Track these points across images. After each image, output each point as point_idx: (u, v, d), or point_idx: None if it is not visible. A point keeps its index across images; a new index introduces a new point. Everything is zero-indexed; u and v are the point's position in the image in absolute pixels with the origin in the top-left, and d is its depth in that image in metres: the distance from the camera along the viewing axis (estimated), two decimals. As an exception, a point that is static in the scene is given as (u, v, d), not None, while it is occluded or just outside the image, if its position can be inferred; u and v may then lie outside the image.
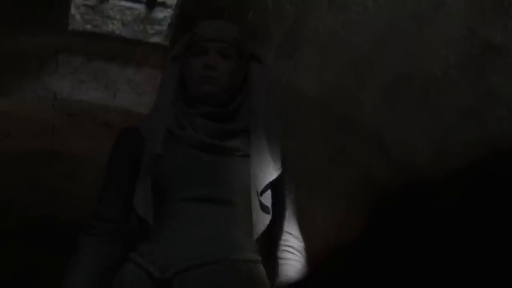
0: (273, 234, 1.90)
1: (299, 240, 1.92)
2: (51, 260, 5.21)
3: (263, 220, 1.79)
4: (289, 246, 1.90)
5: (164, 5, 3.83)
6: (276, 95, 3.56)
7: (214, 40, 1.97)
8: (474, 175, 3.31)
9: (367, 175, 3.79)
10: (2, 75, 3.65)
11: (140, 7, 3.84)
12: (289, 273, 1.85)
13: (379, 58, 3.26)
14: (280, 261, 1.88)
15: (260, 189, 1.81)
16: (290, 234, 1.91)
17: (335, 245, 4.12)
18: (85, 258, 1.84)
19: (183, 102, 1.98)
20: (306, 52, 3.38)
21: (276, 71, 3.48)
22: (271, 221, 1.85)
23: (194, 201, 1.79)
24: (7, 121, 3.89)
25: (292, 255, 1.89)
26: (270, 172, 1.84)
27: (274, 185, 1.87)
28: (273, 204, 1.86)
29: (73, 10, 3.68)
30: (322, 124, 3.70)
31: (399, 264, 3.87)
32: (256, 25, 3.31)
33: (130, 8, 3.82)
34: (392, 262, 3.91)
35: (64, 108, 3.87)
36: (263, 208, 1.80)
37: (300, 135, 3.75)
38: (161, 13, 3.81)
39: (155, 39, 3.74)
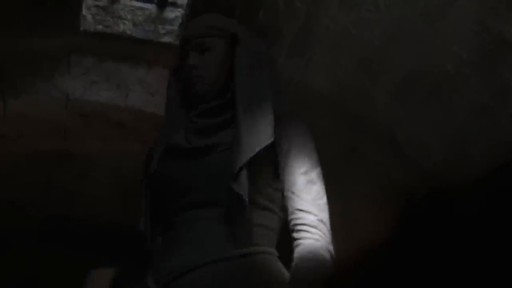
0: (287, 216, 1.81)
1: (312, 214, 1.76)
2: (63, 260, 5.24)
3: (242, 211, 1.72)
4: (301, 224, 1.76)
5: (175, 5, 3.83)
6: (288, 93, 3.55)
7: (191, 39, 1.96)
8: (486, 171, 3.30)
9: (379, 173, 3.79)
10: (15, 76, 3.67)
11: (151, 7, 3.84)
12: (301, 253, 1.70)
13: (391, 55, 3.25)
14: (295, 243, 1.75)
15: (233, 177, 1.73)
16: (301, 210, 1.77)
17: (348, 243, 4.11)
18: None
19: (188, 110, 1.96)
20: (317, 50, 3.37)
21: (288, 69, 3.47)
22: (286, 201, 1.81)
23: (182, 210, 1.80)
24: (20, 122, 3.90)
25: (305, 233, 1.74)
26: (241, 157, 1.75)
27: (276, 164, 1.83)
28: (279, 184, 1.83)
29: (84, 11, 3.68)
30: (334, 123, 3.69)
31: (414, 260, 3.86)
32: (268, 24, 3.31)
33: (141, 8, 3.82)
34: (406, 258, 3.90)
35: (76, 108, 3.88)
36: (238, 198, 1.71)
37: (312, 133, 3.75)
38: (172, 13, 3.81)
39: (166, 39, 3.74)
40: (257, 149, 1.78)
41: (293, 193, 1.81)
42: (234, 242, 1.73)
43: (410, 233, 3.85)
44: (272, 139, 1.81)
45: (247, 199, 1.71)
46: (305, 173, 1.84)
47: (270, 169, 1.84)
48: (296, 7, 3.18)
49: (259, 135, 1.81)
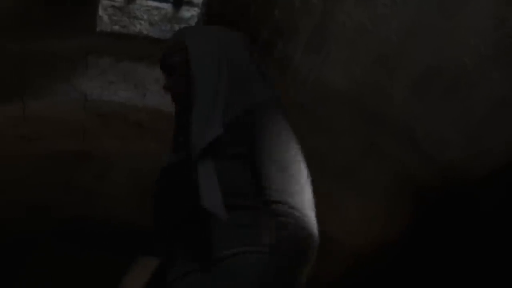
0: None
1: (283, 203, 1.73)
2: (83, 259, 5.27)
3: (209, 215, 1.74)
4: (274, 216, 1.73)
5: (190, 4, 3.84)
6: (305, 91, 3.56)
7: (161, 63, 2.06)
8: (505, 165, 3.28)
9: (398, 168, 3.77)
10: (34, 78, 3.70)
11: (167, 7, 3.86)
12: (269, 247, 1.70)
13: (408, 51, 3.24)
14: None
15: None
16: (273, 202, 1.74)
17: (370, 238, 4.11)
18: None
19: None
20: (334, 47, 3.36)
21: (305, 67, 3.47)
22: None
23: (170, 224, 1.86)
24: (39, 123, 3.94)
25: (276, 224, 1.72)
26: (192, 161, 1.80)
27: (252, 159, 1.81)
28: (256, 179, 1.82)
29: (100, 12, 3.71)
30: (351, 119, 3.69)
31: (433, 254, 3.84)
32: (283, 21, 3.31)
33: (157, 8, 3.84)
34: (425, 252, 3.89)
35: (94, 109, 3.90)
36: (202, 205, 1.74)
37: (330, 130, 3.74)
38: (188, 12, 3.83)
39: (182, 38, 3.74)
40: (203, 145, 1.79)
41: (268, 187, 1.77)
42: (210, 248, 1.75)
43: (428, 228, 3.83)
44: (218, 132, 1.81)
45: (207, 203, 1.73)
46: (277, 161, 1.80)
47: (245, 166, 1.83)
48: (312, 4, 3.17)
49: (208, 133, 1.81)
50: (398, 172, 3.80)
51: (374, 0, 3.06)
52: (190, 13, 3.83)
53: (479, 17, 2.89)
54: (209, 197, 1.73)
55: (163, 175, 1.93)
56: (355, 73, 3.45)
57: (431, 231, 3.83)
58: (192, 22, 3.79)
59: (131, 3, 3.78)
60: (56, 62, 3.71)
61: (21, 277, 5.33)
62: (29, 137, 4.06)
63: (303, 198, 1.77)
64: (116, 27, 3.74)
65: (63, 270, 5.39)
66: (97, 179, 4.75)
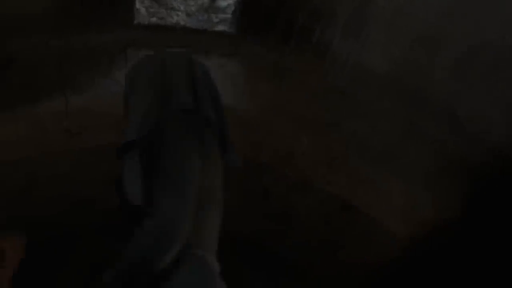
0: None
1: (157, 207, 1.94)
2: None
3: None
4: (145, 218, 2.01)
5: (226, -7, 3.86)
6: (344, 75, 3.54)
7: None
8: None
9: (441, 150, 3.74)
10: (75, 72, 3.74)
11: (203, -3, 3.87)
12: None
13: (448, 30, 3.20)
14: None
15: None
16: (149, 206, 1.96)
17: (414, 222, 4.07)
18: None
19: None
20: (372, 29, 3.34)
21: (343, 50, 3.45)
22: None
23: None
24: (82, 117, 3.98)
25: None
26: None
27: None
28: None
29: (137, 4, 3.73)
30: (392, 101, 3.66)
31: (480, 239, 3.80)
32: (321, 5, 3.29)
33: (193, -1, 3.86)
34: (471, 237, 3.85)
35: (135, 101, 3.93)
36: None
37: (371, 113, 3.72)
38: (224, 1, 3.83)
39: (220, 28, 3.76)
40: (120, 147, 2.06)
41: (151, 194, 1.99)
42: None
43: (475, 211, 3.78)
44: (130, 138, 2.12)
45: (127, 192, 2.01)
46: (165, 173, 2.01)
47: (147, 178, 2.06)
48: (349, -13, 3.16)
49: (125, 138, 2.11)
50: (441, 155, 3.76)
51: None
52: (226, 2, 3.83)
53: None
54: (129, 189, 2.01)
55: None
56: (394, 55, 3.42)
57: (478, 213, 3.78)
58: (229, 11, 3.80)
59: (167, -6, 3.80)
60: (96, 57, 3.75)
61: (66, 271, 5.41)
62: (72, 131, 4.11)
63: (178, 206, 1.95)
64: (154, 19, 3.77)
65: (107, 263, 5.45)
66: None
